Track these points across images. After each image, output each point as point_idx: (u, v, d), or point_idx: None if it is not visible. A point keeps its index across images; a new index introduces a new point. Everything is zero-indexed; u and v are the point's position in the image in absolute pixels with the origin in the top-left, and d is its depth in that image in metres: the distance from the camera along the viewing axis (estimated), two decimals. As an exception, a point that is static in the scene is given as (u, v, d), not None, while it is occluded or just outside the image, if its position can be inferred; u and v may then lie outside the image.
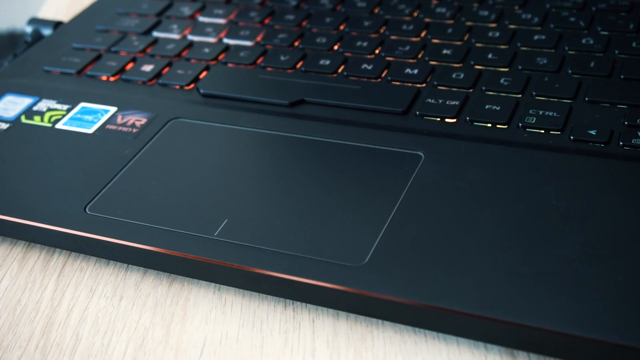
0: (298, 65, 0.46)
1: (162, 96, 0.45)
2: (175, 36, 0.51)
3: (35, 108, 0.45)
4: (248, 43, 0.49)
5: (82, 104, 0.45)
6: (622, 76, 0.41)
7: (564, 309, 0.28)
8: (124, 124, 0.42)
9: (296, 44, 0.48)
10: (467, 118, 0.39)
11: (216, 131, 0.41)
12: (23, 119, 0.44)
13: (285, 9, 0.52)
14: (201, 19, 0.53)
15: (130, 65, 0.48)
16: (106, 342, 0.33)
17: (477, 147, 0.37)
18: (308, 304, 0.33)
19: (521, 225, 0.32)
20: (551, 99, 0.40)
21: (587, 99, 0.39)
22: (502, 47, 0.45)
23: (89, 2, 0.59)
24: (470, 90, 0.41)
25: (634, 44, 0.43)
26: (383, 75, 0.44)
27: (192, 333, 0.33)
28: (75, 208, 0.37)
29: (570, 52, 0.43)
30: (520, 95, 0.40)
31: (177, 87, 0.45)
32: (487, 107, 0.40)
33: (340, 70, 0.45)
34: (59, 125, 0.43)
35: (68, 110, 0.44)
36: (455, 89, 0.42)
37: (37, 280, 0.37)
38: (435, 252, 0.31)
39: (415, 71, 0.43)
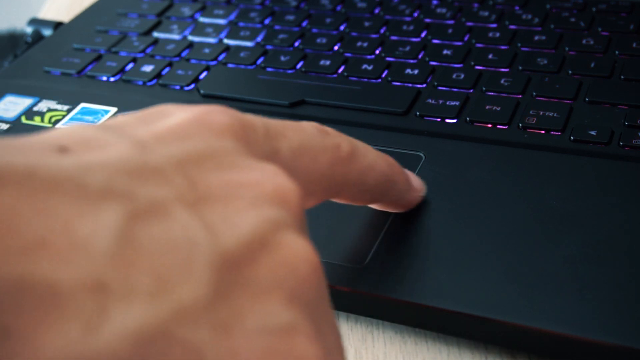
0: (298, 66, 0.46)
1: (162, 97, 0.45)
2: (176, 36, 0.51)
3: (35, 108, 0.45)
4: (248, 43, 0.49)
5: (83, 105, 0.45)
6: (622, 77, 0.41)
7: (564, 310, 0.28)
8: (124, 125, 0.42)
9: (296, 44, 0.48)
10: (468, 118, 0.39)
11: (216, 132, 0.41)
12: (23, 120, 0.44)
13: (285, 9, 0.52)
14: (201, 19, 0.53)
15: (130, 66, 0.48)
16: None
17: (477, 148, 0.37)
18: (308, 305, 0.33)
19: (521, 226, 0.32)
20: (551, 100, 0.40)
21: (587, 99, 0.39)
22: (503, 47, 0.45)
23: (89, 3, 0.59)
24: (471, 91, 0.41)
25: (634, 45, 0.43)
26: (383, 75, 0.44)
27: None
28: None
29: (570, 52, 0.43)
30: (520, 96, 0.40)
31: (178, 87, 0.45)
32: (487, 107, 0.40)
33: (340, 71, 0.45)
34: (59, 126, 0.43)
35: (68, 111, 0.44)
36: (455, 90, 0.42)
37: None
38: (436, 252, 0.31)
39: (416, 72, 0.43)
